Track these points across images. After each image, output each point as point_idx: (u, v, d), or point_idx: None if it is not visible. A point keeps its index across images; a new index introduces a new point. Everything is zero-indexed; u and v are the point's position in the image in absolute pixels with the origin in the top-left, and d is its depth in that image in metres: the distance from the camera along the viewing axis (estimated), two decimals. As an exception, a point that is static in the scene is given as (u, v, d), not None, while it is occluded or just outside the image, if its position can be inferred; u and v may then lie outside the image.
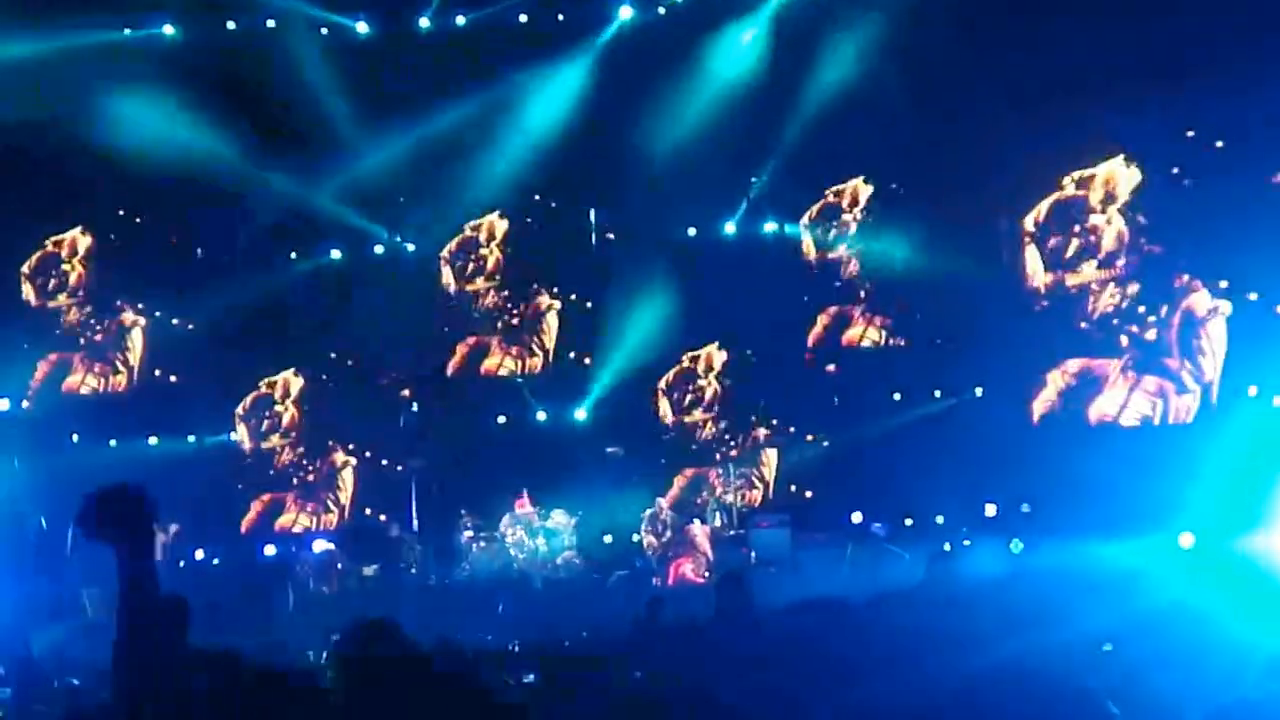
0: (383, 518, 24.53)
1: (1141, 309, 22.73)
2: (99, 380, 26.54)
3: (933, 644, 4.80)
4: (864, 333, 24.29)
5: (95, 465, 23.86)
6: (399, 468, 24.60)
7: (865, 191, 24.28)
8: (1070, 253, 23.36)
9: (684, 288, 23.96)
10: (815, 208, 24.52)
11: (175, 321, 25.92)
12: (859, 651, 4.64)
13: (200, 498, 23.67)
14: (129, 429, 25.02)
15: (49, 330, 26.65)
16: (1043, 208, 23.40)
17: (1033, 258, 23.44)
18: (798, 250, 24.55)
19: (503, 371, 25.58)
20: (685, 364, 24.87)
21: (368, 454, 25.61)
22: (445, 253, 26.09)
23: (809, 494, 23.80)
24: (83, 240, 26.81)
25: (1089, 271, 23.22)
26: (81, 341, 26.64)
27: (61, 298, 26.82)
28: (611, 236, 25.12)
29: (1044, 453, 21.93)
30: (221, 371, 25.50)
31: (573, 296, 25.52)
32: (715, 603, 10.08)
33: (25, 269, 26.86)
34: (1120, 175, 23.13)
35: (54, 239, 26.70)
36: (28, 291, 26.70)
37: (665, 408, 24.87)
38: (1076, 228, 23.35)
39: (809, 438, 23.95)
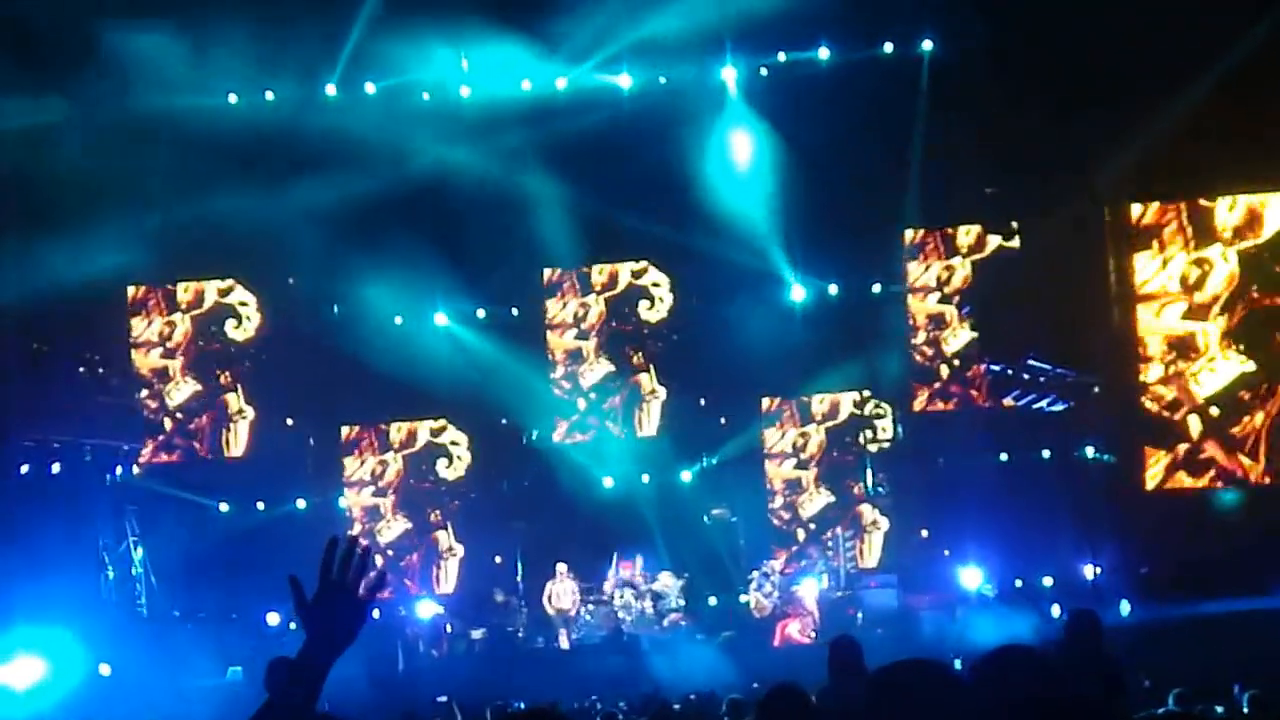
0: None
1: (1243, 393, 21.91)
2: (169, 455, 25.92)
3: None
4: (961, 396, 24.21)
5: (204, 533, 24.21)
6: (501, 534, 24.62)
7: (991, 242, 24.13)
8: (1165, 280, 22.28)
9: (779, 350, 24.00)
10: (920, 239, 24.44)
11: (290, 422, 25.78)
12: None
13: (301, 561, 23.62)
14: (228, 492, 25.16)
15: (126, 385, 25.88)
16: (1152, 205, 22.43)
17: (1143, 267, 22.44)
18: (901, 311, 24.52)
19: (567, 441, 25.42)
20: (803, 398, 24.75)
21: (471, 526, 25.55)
22: (547, 278, 25.60)
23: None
24: (222, 292, 26.07)
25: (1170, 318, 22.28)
26: (171, 422, 26.02)
27: (155, 356, 25.97)
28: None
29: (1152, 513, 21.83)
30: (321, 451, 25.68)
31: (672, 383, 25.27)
32: (829, 667, 10.02)
33: (132, 291, 25.87)
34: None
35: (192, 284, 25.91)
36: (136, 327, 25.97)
37: (772, 470, 24.80)
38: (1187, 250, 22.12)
39: (922, 533, 23.69)
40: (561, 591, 22.99)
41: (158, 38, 22.39)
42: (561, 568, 23.09)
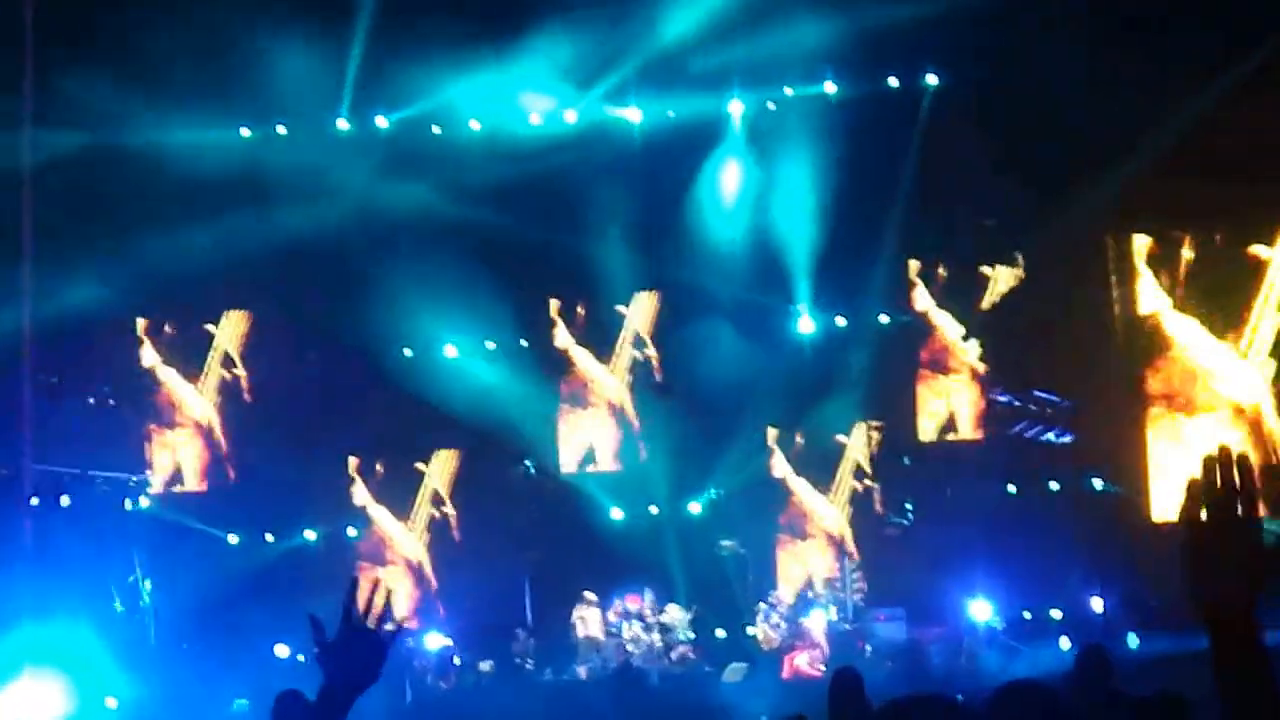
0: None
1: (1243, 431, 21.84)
2: (178, 486, 26.01)
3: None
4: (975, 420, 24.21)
5: (212, 564, 24.21)
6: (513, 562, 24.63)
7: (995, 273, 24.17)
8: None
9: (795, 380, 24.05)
10: (925, 270, 24.44)
11: (300, 454, 25.51)
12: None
13: (310, 592, 23.62)
14: (237, 522, 25.18)
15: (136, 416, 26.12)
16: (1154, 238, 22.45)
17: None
18: (907, 342, 24.54)
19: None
20: (811, 430, 24.63)
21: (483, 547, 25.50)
22: (555, 310, 25.62)
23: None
24: (233, 323, 26.02)
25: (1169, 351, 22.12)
26: (180, 453, 26.01)
27: (164, 388, 26.10)
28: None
29: (1161, 545, 21.76)
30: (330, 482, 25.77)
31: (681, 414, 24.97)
32: (829, 699, 10.01)
33: (142, 323, 25.89)
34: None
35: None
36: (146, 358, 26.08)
37: (779, 502, 24.77)
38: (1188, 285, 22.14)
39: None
40: (589, 617, 23.02)
41: (169, 69, 22.55)
42: (589, 595, 23.15)
